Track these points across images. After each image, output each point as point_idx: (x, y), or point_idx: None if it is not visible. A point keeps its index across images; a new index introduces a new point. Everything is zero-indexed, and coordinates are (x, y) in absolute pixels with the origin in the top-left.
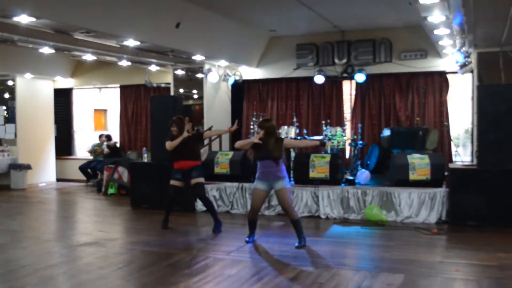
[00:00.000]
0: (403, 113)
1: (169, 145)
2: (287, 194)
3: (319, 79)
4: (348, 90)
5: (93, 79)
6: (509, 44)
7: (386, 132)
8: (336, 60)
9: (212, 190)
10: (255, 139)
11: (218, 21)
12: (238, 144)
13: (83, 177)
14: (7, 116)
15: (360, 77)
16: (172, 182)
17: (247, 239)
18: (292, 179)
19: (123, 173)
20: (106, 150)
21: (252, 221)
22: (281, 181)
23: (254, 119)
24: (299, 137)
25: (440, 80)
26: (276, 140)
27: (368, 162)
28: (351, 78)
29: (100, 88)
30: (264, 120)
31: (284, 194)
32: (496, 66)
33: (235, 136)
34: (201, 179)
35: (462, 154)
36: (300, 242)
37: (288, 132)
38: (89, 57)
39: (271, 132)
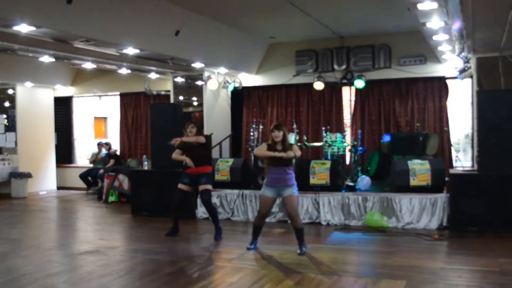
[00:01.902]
0: (403, 118)
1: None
2: (294, 202)
3: (319, 85)
4: (348, 96)
5: (93, 87)
6: (508, 49)
7: (386, 138)
8: (336, 66)
9: (212, 197)
10: (278, 153)
11: (218, 29)
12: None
13: (83, 185)
14: (7, 124)
15: (359, 83)
16: (180, 186)
17: (248, 246)
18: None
19: (124, 181)
20: (111, 161)
21: (257, 227)
22: (289, 189)
23: (254, 125)
24: (299, 144)
25: (439, 85)
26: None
27: (368, 168)
28: (350, 84)
29: (100, 96)
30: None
31: (292, 201)
32: (496, 71)
33: (236, 142)
34: (209, 186)
35: (463, 159)
36: (301, 249)
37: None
38: (89, 65)
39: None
